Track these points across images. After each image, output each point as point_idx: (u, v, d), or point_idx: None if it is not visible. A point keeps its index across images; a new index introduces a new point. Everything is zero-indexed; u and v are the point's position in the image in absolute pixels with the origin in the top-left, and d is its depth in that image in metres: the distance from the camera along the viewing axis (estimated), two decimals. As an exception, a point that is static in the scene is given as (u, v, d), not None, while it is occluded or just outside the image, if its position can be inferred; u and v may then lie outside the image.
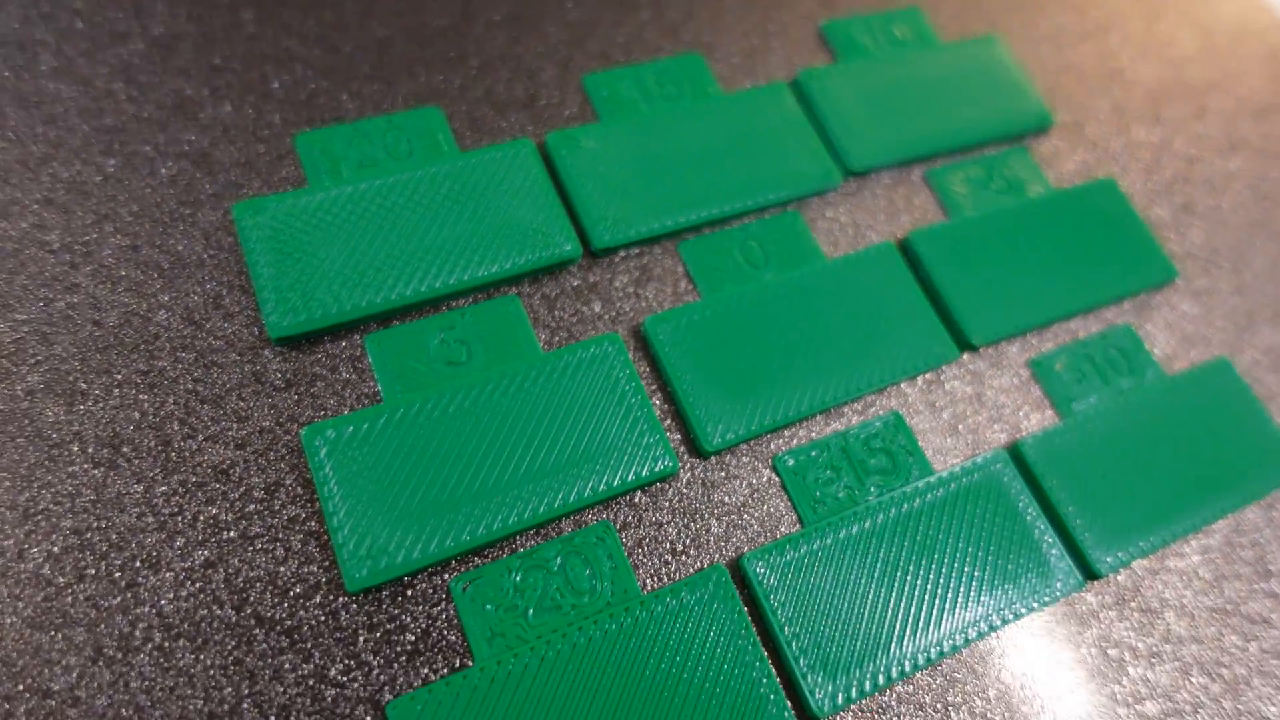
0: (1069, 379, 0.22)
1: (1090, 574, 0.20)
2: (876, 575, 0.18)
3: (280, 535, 0.17)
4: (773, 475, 0.19)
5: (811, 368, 0.20)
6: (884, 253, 0.22)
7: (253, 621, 0.16)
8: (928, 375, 0.21)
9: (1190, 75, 0.28)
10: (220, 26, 0.21)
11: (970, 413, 0.21)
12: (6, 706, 0.15)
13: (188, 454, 0.17)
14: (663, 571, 0.18)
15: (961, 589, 0.19)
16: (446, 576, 0.17)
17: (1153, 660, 0.19)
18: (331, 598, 0.17)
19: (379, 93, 0.21)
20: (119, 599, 0.16)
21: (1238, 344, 0.24)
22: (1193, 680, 0.19)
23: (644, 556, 0.18)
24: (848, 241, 0.22)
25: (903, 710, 0.18)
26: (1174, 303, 0.24)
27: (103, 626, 0.16)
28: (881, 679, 0.17)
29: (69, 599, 0.16)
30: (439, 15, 0.23)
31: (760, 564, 0.18)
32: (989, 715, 0.18)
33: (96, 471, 0.17)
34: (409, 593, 0.17)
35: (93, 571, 0.16)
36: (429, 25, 0.22)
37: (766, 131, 0.23)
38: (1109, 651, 0.19)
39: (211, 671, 0.16)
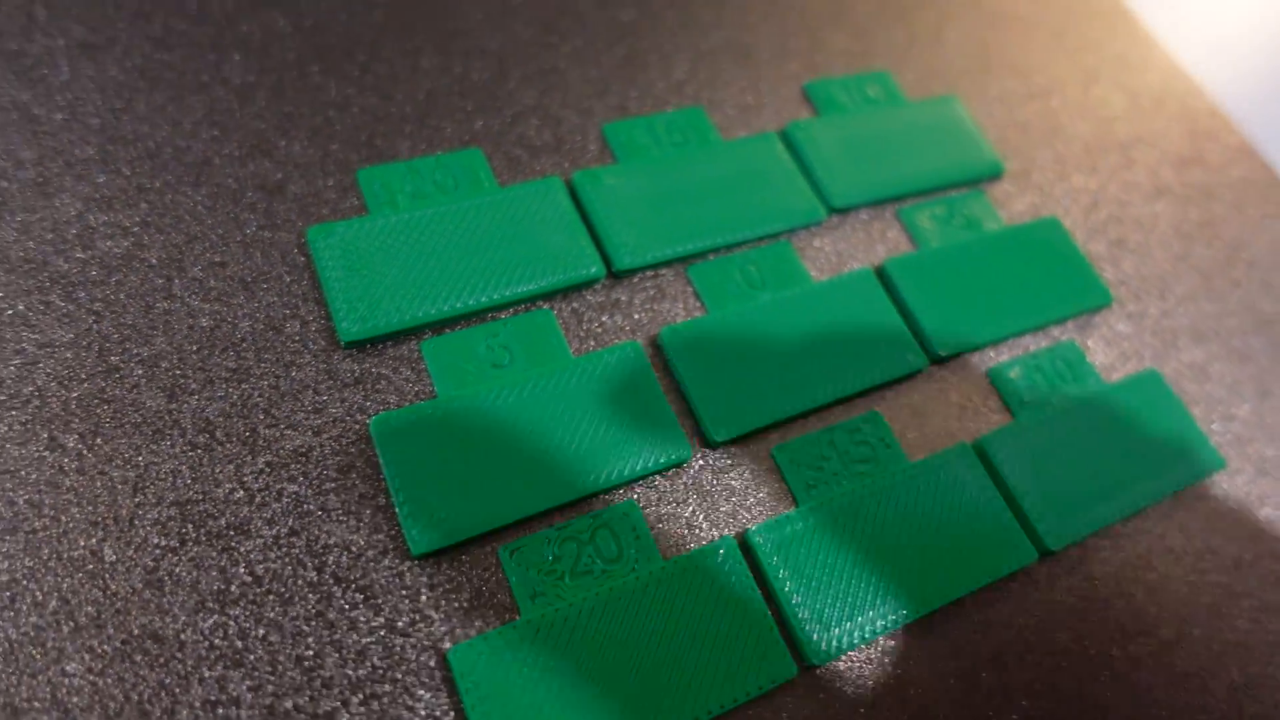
0: (1022, 385, 0.25)
1: (1043, 549, 0.23)
2: (862, 546, 0.21)
3: (353, 508, 0.20)
4: (771, 463, 0.22)
5: (803, 374, 0.23)
6: (863, 277, 0.25)
7: (331, 580, 0.19)
8: (901, 381, 0.24)
9: (1120, 132, 0.32)
10: (290, 79, 0.24)
11: (938, 411, 0.24)
12: (124, 647, 0.17)
13: (272, 439, 0.20)
14: (679, 543, 0.21)
15: (935, 559, 0.22)
16: (495, 545, 0.20)
17: (1103, 621, 0.22)
18: (398, 561, 0.19)
19: (428, 135, 0.25)
20: (216, 560, 0.18)
21: (1164, 358, 0.27)
22: (1137, 641, 0.22)
23: (664, 530, 0.21)
24: (831, 267, 0.26)
25: (886, 660, 0.21)
26: (1110, 323, 0.27)
27: (203, 583, 0.18)
28: (868, 632, 0.20)
29: (174, 559, 0.18)
30: (479, 71, 0.26)
31: (763, 536, 0.21)
32: (961, 669, 0.21)
33: (194, 453, 0.19)
34: (464, 558, 0.20)
35: (193, 536, 0.18)
36: (470, 79, 0.26)
37: (760, 174, 0.26)
38: (1061, 615, 0.22)
39: (297, 622, 0.18)
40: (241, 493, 0.19)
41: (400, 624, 0.19)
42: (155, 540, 0.18)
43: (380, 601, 0.19)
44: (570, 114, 0.26)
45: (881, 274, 0.26)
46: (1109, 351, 0.27)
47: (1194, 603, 0.23)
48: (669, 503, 0.21)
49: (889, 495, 0.22)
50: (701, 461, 0.22)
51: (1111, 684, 0.22)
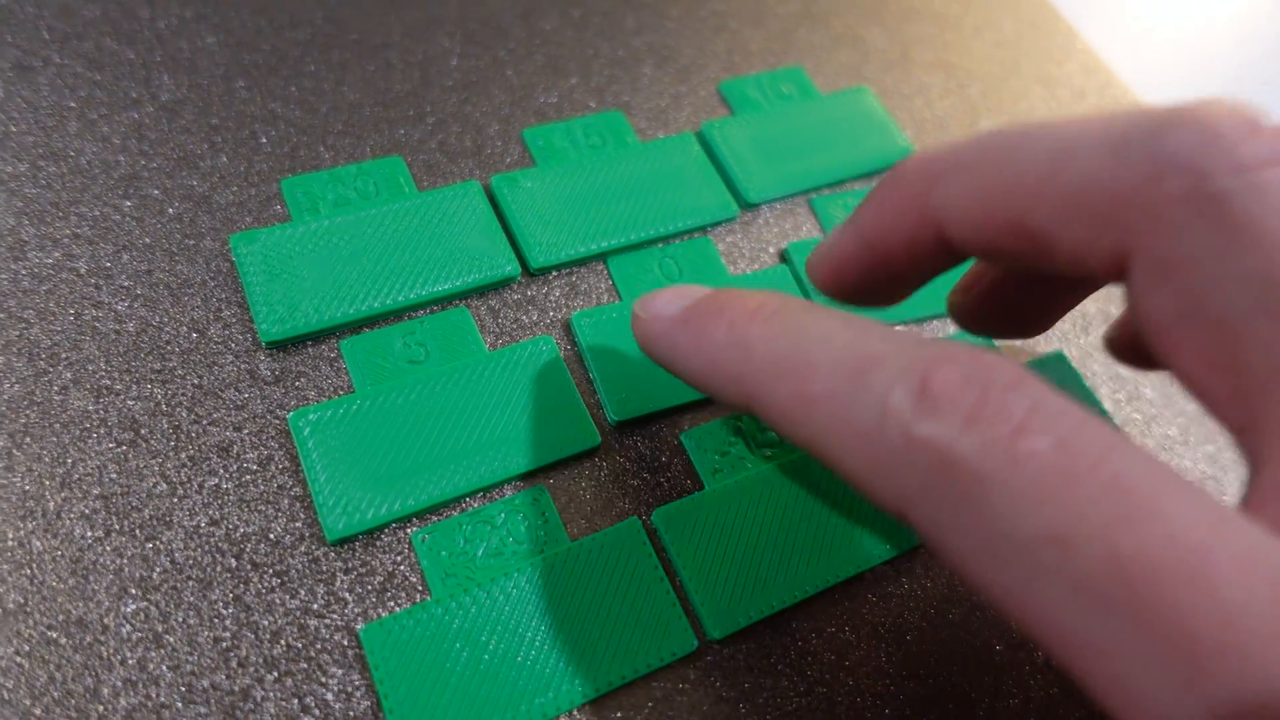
0: (928, 369, 0.26)
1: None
2: (765, 525, 0.22)
3: (271, 498, 0.21)
4: (679, 448, 0.23)
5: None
6: (778, 272, 0.26)
7: (249, 567, 0.20)
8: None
9: (1037, 122, 0.33)
10: (217, 93, 0.26)
11: (846, 397, 0.25)
12: (50, 634, 0.18)
13: (194, 435, 0.21)
14: (587, 525, 0.22)
15: (837, 536, 0.23)
16: (409, 530, 0.21)
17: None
18: (314, 547, 0.20)
19: (350, 145, 0.26)
20: (139, 549, 0.19)
21: (1069, 341, 0.28)
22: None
23: (573, 514, 0.22)
24: (745, 262, 0.27)
25: (786, 633, 0.22)
26: (1020, 308, 0.28)
27: (125, 571, 0.19)
28: (768, 606, 0.21)
29: (98, 550, 0.19)
30: (401, 82, 0.27)
31: (666, 518, 0.22)
32: (860, 641, 0.22)
33: (119, 450, 0.20)
34: (378, 543, 0.21)
35: (117, 528, 0.20)
36: (392, 90, 0.27)
37: (675, 173, 0.28)
38: (959, 590, 0.23)
39: (216, 605, 0.19)
40: (164, 486, 0.20)
41: (315, 606, 0.20)
42: (80, 532, 0.19)
43: (296, 585, 0.20)
44: (491, 121, 0.27)
45: (784, 256, 0.27)
46: (1016, 334, 0.28)
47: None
48: (578, 488, 0.22)
49: (794, 477, 0.23)
50: (610, 448, 0.23)
51: (1009, 651, 0.23)
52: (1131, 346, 0.22)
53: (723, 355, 0.17)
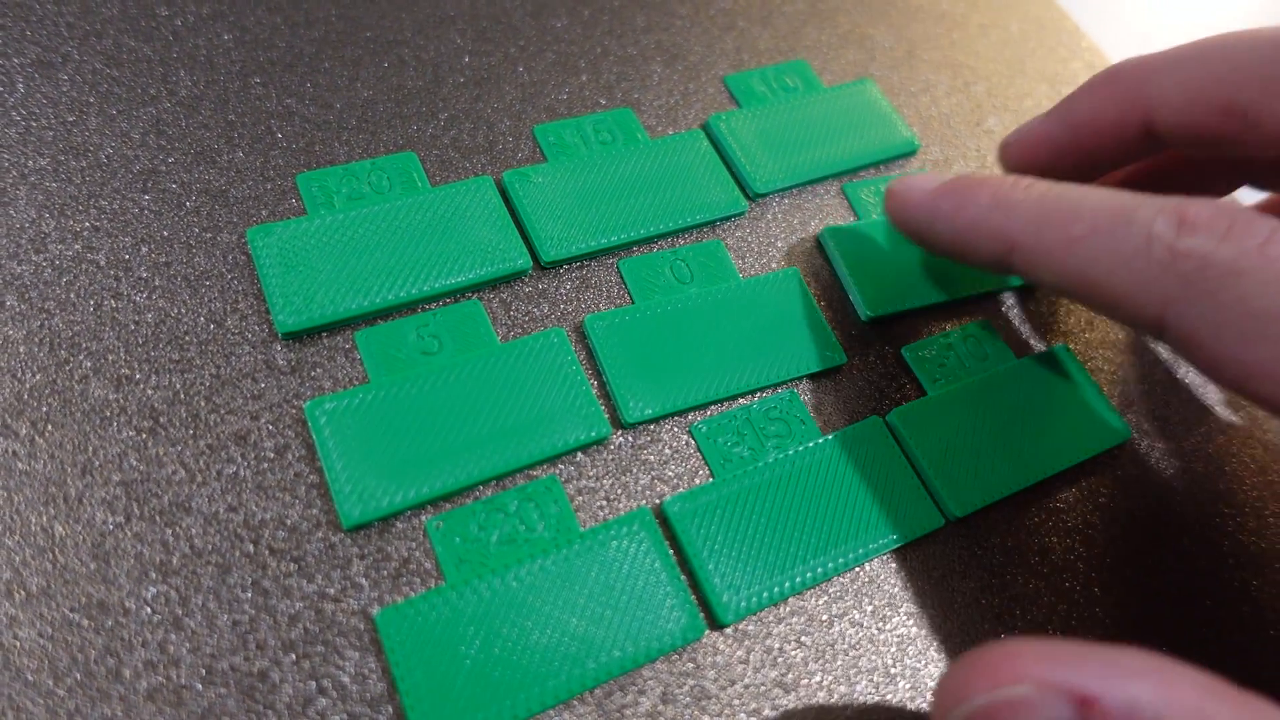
0: (932, 364, 0.26)
1: (946, 515, 0.24)
2: (774, 514, 0.23)
3: (289, 485, 0.21)
4: (690, 439, 0.24)
5: (727, 360, 0.25)
6: (788, 275, 0.27)
7: (267, 552, 0.20)
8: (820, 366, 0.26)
9: (1042, 120, 0.33)
10: (233, 90, 0.26)
11: (852, 390, 0.26)
12: (72, 616, 0.19)
13: (213, 423, 0.21)
14: (599, 514, 0.22)
15: (845, 523, 0.23)
16: (423, 517, 0.21)
17: (1005, 577, 0.24)
18: (330, 533, 0.21)
19: (365, 141, 0.26)
20: (159, 535, 0.20)
21: (1074, 337, 0.28)
22: (1039, 603, 0.24)
23: (584, 502, 0.22)
24: (754, 254, 0.27)
25: (794, 619, 0.22)
26: (1023, 300, 0.29)
27: (146, 556, 0.20)
28: (777, 592, 0.22)
29: (119, 535, 0.20)
30: (414, 79, 0.28)
31: (678, 506, 0.22)
32: (864, 624, 0.22)
33: (139, 438, 0.21)
34: (393, 530, 0.21)
35: (137, 514, 0.20)
36: (406, 86, 0.27)
37: (684, 168, 0.28)
38: (966, 576, 0.23)
39: (234, 590, 0.20)
40: (183, 473, 0.21)
41: (331, 591, 0.20)
42: (101, 517, 0.20)
43: (313, 570, 0.20)
44: (502, 117, 0.28)
45: (819, 242, 0.28)
46: (1016, 334, 0.28)
47: (1089, 566, 0.25)
48: (589, 477, 0.23)
49: (803, 468, 0.24)
50: (621, 439, 0.23)
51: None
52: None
53: (986, 215, 0.21)
